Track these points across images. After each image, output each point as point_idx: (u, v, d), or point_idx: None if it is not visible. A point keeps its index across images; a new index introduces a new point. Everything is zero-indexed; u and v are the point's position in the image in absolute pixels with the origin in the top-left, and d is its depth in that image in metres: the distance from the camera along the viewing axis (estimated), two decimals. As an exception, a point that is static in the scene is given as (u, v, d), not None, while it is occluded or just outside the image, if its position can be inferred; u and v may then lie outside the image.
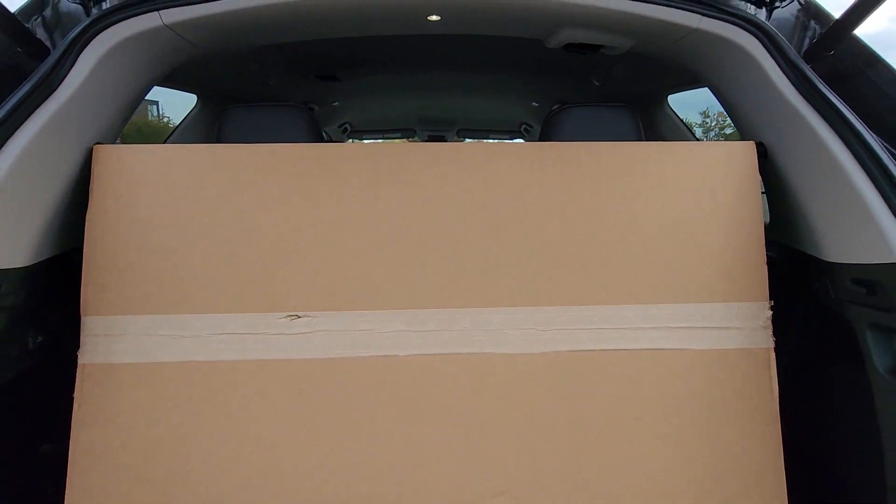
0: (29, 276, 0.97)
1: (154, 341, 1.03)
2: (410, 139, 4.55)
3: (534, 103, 2.95)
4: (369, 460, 1.01)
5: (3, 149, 0.89)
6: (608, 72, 1.93)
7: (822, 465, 1.13)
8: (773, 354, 1.06)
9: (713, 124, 69.32)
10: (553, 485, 1.01)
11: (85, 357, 1.02)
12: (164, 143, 2.12)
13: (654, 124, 2.13)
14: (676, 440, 1.03)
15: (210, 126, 2.11)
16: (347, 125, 3.53)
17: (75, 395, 1.01)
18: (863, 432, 0.94)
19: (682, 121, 2.14)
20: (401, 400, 1.03)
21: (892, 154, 0.98)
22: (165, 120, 48.01)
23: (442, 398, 1.04)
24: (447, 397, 1.04)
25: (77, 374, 1.02)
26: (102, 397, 1.01)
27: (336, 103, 2.94)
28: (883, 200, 0.88)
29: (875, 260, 0.89)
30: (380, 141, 4.44)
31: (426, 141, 4.21)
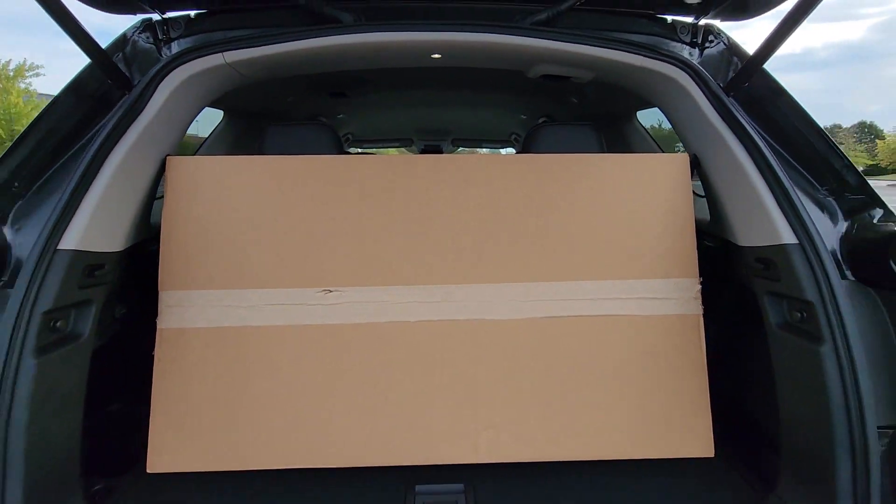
0: (121, 259, 1.24)
1: (217, 310, 1.30)
2: (408, 148, 4.86)
3: (522, 116, 3.26)
4: (388, 401, 1.29)
5: (106, 161, 1.16)
6: (582, 92, 2.23)
7: (738, 400, 1.43)
8: (701, 319, 1.35)
9: None
10: (529, 420, 1.29)
11: (162, 323, 1.30)
12: (196, 153, 2.38)
13: (624, 135, 2.44)
14: (627, 384, 1.32)
15: (237, 137, 2.39)
16: (350, 135, 3.82)
17: (155, 352, 1.28)
18: (763, 372, 1.23)
19: (647, 132, 2.45)
20: (412, 356, 1.31)
21: (787, 163, 1.28)
22: None
23: (444, 354, 1.32)
24: (448, 354, 1.32)
25: (156, 337, 1.29)
26: (176, 354, 1.29)
27: (341, 115, 3.23)
28: (774, 199, 1.17)
29: (768, 243, 1.18)
30: (391, 150, 4.75)
31: (423, 149, 4.52)
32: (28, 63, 28.92)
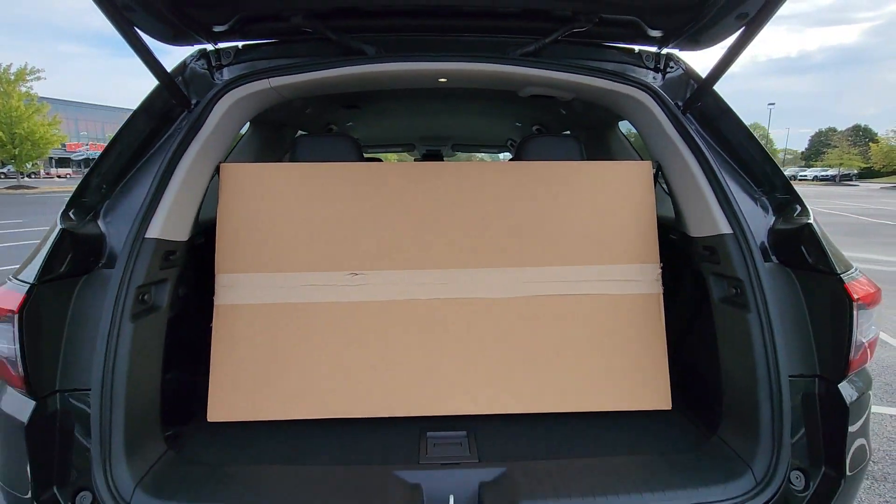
0: (186, 247, 1.52)
1: (263, 289, 1.59)
2: (410, 152, 5.16)
3: (517, 124, 3.56)
4: (404, 364, 1.57)
5: (176, 168, 1.44)
6: (569, 105, 2.53)
7: (690, 362, 1.71)
8: (661, 297, 1.64)
9: None
10: (519, 379, 1.58)
11: (218, 300, 1.58)
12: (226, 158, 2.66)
13: (607, 141, 2.73)
14: (600, 350, 1.61)
15: (262, 143, 2.67)
16: (357, 140, 4.11)
17: (213, 324, 1.56)
18: (710, 338, 1.51)
19: (627, 139, 2.73)
20: (423, 327, 1.60)
21: (732, 168, 1.56)
22: None
23: (449, 326, 1.60)
24: (452, 325, 1.61)
25: (214, 312, 1.57)
26: (230, 325, 1.57)
27: (350, 123, 3.51)
28: (715, 199, 1.46)
29: (711, 233, 1.47)
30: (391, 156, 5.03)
31: (424, 154, 4.82)
32: (29, 67, 29.26)
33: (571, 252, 1.64)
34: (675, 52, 1.77)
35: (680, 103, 1.63)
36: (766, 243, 1.40)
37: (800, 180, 57.39)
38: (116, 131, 1.48)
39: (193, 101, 1.55)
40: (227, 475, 1.27)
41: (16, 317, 1.06)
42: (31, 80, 29.20)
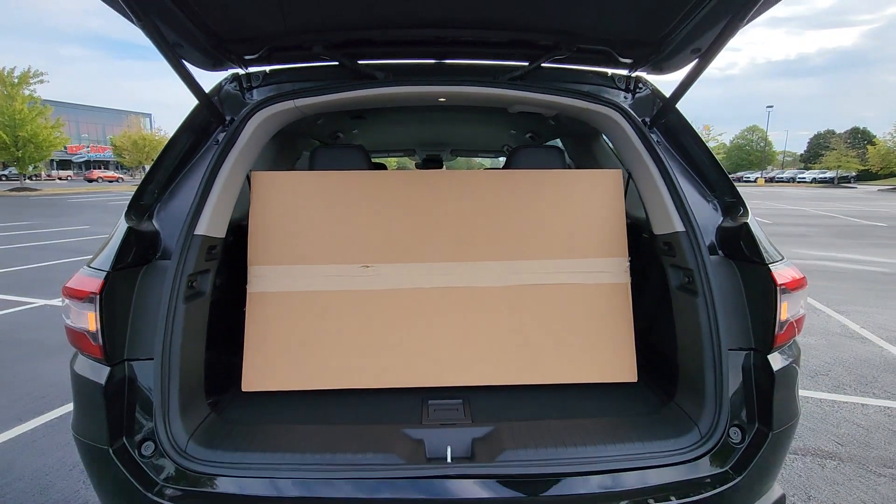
0: (224, 244, 1.77)
1: (288, 279, 1.84)
2: (411, 157, 5.42)
3: (511, 131, 3.81)
4: (409, 342, 1.83)
5: (217, 176, 1.68)
6: (556, 117, 2.79)
7: (653, 341, 1.97)
8: (629, 286, 1.90)
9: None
10: (507, 355, 1.83)
11: (251, 289, 1.83)
12: None
13: (591, 149, 2.98)
14: (576, 331, 1.86)
15: (278, 150, 2.92)
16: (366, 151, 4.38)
17: (246, 309, 1.82)
18: (669, 321, 1.76)
19: (610, 147, 2.98)
20: (425, 311, 1.85)
21: (690, 176, 1.80)
22: (163, 133, 46.79)
23: (447, 310, 1.86)
24: (450, 309, 1.86)
25: (247, 299, 1.83)
26: (260, 310, 1.82)
27: (355, 131, 3.77)
28: (672, 202, 1.71)
29: (669, 231, 1.72)
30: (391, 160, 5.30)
31: (425, 159, 5.08)
32: (32, 70, 29.54)
33: (551, 248, 1.90)
34: (644, 74, 2.02)
35: (647, 119, 1.87)
36: (714, 239, 1.63)
37: (798, 182, 57.69)
38: (165, 144, 1.72)
39: (227, 118, 1.80)
40: (261, 432, 1.52)
41: (97, 297, 1.31)
42: (35, 83, 29.46)
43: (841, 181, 53.62)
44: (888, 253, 9.70)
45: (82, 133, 66.36)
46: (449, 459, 1.36)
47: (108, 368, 1.35)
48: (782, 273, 1.46)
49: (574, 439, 1.44)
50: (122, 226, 1.45)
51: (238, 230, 1.88)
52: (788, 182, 58.86)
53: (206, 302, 1.64)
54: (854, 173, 53.70)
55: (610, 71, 1.99)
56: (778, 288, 1.42)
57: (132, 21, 1.28)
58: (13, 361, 3.96)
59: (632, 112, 1.85)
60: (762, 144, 73.25)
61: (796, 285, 1.48)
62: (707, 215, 1.68)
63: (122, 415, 1.36)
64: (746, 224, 1.53)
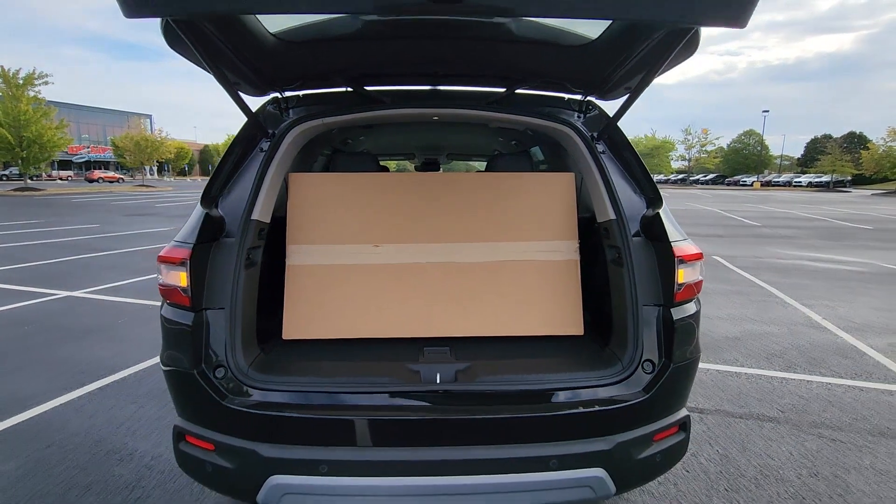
0: (268, 227, 2.19)
1: (317, 255, 2.28)
2: (411, 161, 5.87)
3: (499, 139, 4.26)
4: (409, 303, 2.26)
5: (265, 177, 2.09)
6: (528, 130, 3.23)
7: (596, 302, 2.39)
8: (578, 262, 2.34)
9: (694, 141, 68.26)
10: (484, 313, 2.26)
11: (289, 262, 2.27)
12: None
13: (561, 155, 3.41)
14: (536, 295, 2.29)
15: (301, 156, 3.34)
16: (365, 150, 4.82)
17: (285, 277, 2.25)
18: (606, 287, 2.18)
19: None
20: (421, 280, 2.29)
21: (626, 177, 2.22)
22: (164, 134, 46.68)
23: (438, 279, 2.29)
24: (440, 279, 2.29)
25: (286, 270, 2.26)
26: (296, 278, 2.26)
27: (362, 138, 4.21)
28: (609, 198, 2.12)
29: (605, 219, 2.15)
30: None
31: (423, 161, 5.54)
32: (37, 72, 29.98)
33: (519, 232, 2.35)
34: (593, 99, 2.45)
35: (595, 134, 2.29)
36: (638, 225, 2.04)
37: (794, 186, 58.31)
38: (224, 152, 2.11)
39: (270, 132, 2.22)
40: (297, 365, 1.96)
41: (187, 262, 1.73)
42: (40, 85, 29.86)
43: (836, 185, 54.21)
44: (866, 254, 10.16)
45: (83, 133, 66.68)
46: (438, 381, 1.79)
47: (193, 314, 1.76)
48: (682, 248, 1.86)
49: (532, 370, 1.88)
50: (200, 211, 1.86)
51: (276, 219, 2.31)
52: (785, 186, 59.47)
53: (257, 270, 2.06)
54: (849, 177, 54.29)
55: (567, 96, 2.42)
56: (676, 259, 1.83)
57: (205, 69, 1.70)
58: (48, 344, 4.38)
59: (582, 129, 2.27)
60: (759, 148, 73.92)
61: (692, 258, 1.88)
62: (635, 207, 2.08)
63: (202, 348, 1.77)
64: (659, 214, 1.94)
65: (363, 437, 1.62)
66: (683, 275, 1.83)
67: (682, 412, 1.84)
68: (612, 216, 2.05)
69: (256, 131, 2.13)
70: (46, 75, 29.86)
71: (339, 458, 1.58)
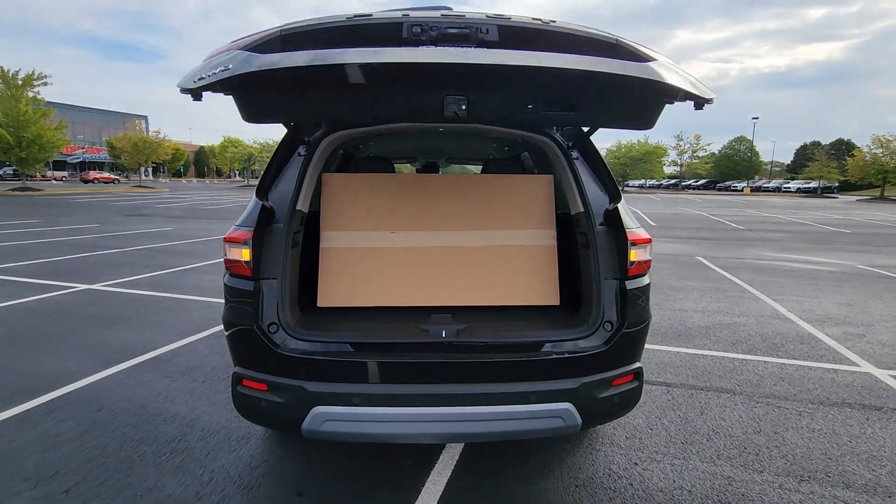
0: (307, 216, 2.62)
1: (345, 239, 2.73)
2: (413, 163, 6.34)
3: (493, 145, 4.72)
4: (420, 277, 2.71)
5: (305, 174, 2.53)
6: (520, 137, 3.69)
7: (569, 278, 2.84)
8: (555, 247, 2.80)
9: (686, 146, 68.56)
10: (479, 286, 2.72)
11: (323, 244, 2.72)
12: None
13: (548, 158, 3.88)
14: (521, 273, 2.75)
15: (326, 158, 3.78)
16: (371, 154, 5.27)
17: (319, 257, 2.70)
18: (579, 266, 2.63)
19: None
20: (429, 260, 2.74)
21: (594, 179, 2.68)
22: (162, 135, 46.58)
23: (443, 258, 2.75)
24: (444, 260, 2.75)
25: (320, 251, 2.71)
26: (328, 257, 2.70)
27: (372, 143, 4.66)
28: (579, 194, 2.57)
29: (576, 211, 2.60)
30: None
31: (424, 164, 6.00)
32: (37, 73, 30.19)
33: (507, 223, 2.81)
34: None
35: (570, 143, 2.74)
36: (602, 216, 2.47)
37: (783, 191, 59.34)
38: (272, 155, 2.54)
39: (306, 139, 2.62)
40: (331, 325, 2.40)
41: (250, 241, 2.15)
42: (39, 86, 30.07)
43: (825, 191, 55.23)
44: (841, 255, 10.71)
45: (77, 134, 66.57)
46: (443, 336, 2.22)
47: (253, 282, 2.19)
48: (634, 234, 2.31)
49: (517, 329, 2.34)
50: (256, 202, 2.27)
51: (310, 211, 2.75)
52: (774, 191, 60.49)
53: (299, 250, 2.51)
54: (836, 183, 55.32)
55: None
56: (629, 242, 2.28)
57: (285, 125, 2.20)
58: (79, 329, 4.77)
59: (559, 140, 2.72)
60: (749, 154, 75.05)
61: (642, 241, 2.33)
62: (600, 202, 2.51)
63: (259, 309, 2.19)
64: (618, 207, 2.38)
65: (385, 376, 2.05)
66: (635, 254, 2.28)
67: (636, 364, 2.28)
68: (582, 209, 2.50)
69: (295, 139, 2.56)
70: (45, 76, 30.08)
71: (367, 392, 2.02)
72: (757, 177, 74.93)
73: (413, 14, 1.82)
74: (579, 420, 2.07)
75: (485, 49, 1.73)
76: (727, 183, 67.45)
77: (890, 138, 44.51)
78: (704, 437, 2.92)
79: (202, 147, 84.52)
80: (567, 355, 2.12)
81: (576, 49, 1.76)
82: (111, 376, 3.70)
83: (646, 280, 2.38)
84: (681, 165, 72.12)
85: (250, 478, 2.48)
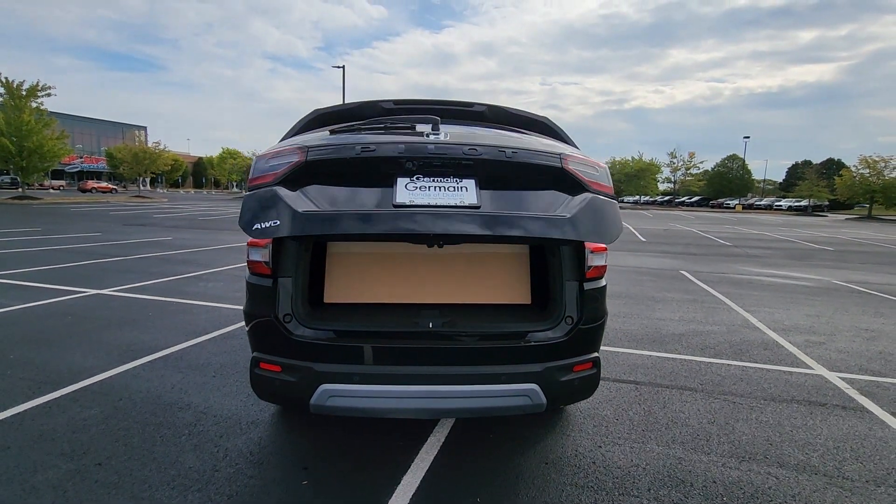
0: None
1: (348, 246, 3.11)
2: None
3: None
4: (412, 279, 3.09)
5: None
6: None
7: (539, 280, 3.21)
8: (528, 254, 3.19)
9: (680, 164, 69.76)
10: (463, 287, 3.09)
11: (330, 250, 3.10)
12: None
13: None
14: (499, 275, 3.13)
15: None
16: None
17: (327, 261, 3.08)
18: (545, 270, 3.00)
19: None
20: (421, 264, 3.13)
21: None
22: (162, 146, 46.98)
23: (432, 263, 3.13)
24: (433, 263, 3.13)
25: (328, 256, 3.09)
26: (335, 261, 3.08)
27: None
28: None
29: None
30: None
31: None
32: (40, 84, 30.69)
33: None
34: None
35: None
36: None
37: (775, 209, 60.33)
38: None
39: None
40: (339, 315, 2.76)
41: (270, 245, 2.51)
42: (42, 97, 30.53)
43: (815, 209, 56.22)
44: (820, 271, 11.16)
45: (76, 143, 66.95)
46: (430, 326, 2.58)
47: (272, 279, 2.54)
48: (592, 245, 2.69)
49: (494, 321, 2.70)
50: None
51: None
52: (765, 209, 61.50)
53: (310, 254, 2.88)
54: (826, 202, 56.34)
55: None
56: (587, 250, 2.65)
57: None
58: (93, 330, 5.09)
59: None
60: (741, 172, 76.31)
61: (599, 249, 2.69)
62: None
63: (276, 302, 2.52)
64: None
65: (380, 358, 2.41)
66: (591, 260, 2.65)
67: (594, 354, 2.65)
68: None
69: None
70: (49, 87, 30.60)
71: (366, 372, 2.38)
72: (749, 194, 76.11)
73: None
74: (544, 399, 2.43)
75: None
76: (719, 200, 68.47)
77: (877, 159, 45.59)
78: (663, 426, 3.28)
79: (200, 158, 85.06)
80: (533, 343, 2.49)
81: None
82: (127, 371, 4.03)
83: (602, 282, 2.75)
84: (674, 182, 73.25)
85: (261, 455, 2.82)
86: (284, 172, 2.34)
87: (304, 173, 2.35)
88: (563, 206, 2.29)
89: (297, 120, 3.34)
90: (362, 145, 2.33)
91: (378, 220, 2.11)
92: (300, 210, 2.11)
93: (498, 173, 2.37)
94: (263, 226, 2.10)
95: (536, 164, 2.40)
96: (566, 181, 2.43)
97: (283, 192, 2.22)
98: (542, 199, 2.37)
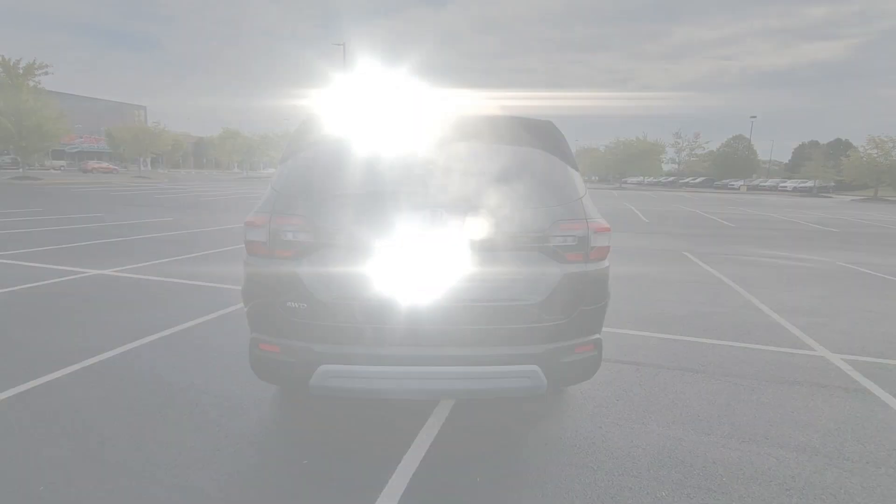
0: None
1: None
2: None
3: None
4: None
5: None
6: None
7: None
8: None
9: (684, 144, 69.24)
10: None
11: None
12: None
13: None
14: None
15: None
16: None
17: None
18: None
19: None
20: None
21: None
22: (162, 126, 46.86)
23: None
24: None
25: None
26: None
27: None
28: None
29: None
30: None
31: None
32: (38, 62, 30.31)
33: None
34: None
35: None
36: None
37: (780, 191, 59.81)
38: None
39: None
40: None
41: (268, 224, 2.48)
42: (40, 75, 30.19)
43: (821, 191, 55.67)
44: (824, 253, 11.09)
45: (76, 123, 66.52)
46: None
47: (268, 259, 2.52)
48: (596, 223, 2.63)
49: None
50: (273, 190, 2.60)
51: None
52: (770, 190, 60.96)
53: None
54: (832, 183, 55.75)
55: None
56: (590, 230, 2.60)
57: None
58: (94, 311, 5.10)
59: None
60: (747, 153, 75.50)
61: (602, 230, 2.64)
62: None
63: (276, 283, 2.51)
64: (581, 200, 2.72)
65: (378, 340, 2.39)
66: (596, 241, 2.60)
67: (596, 335, 2.62)
68: None
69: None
70: (46, 65, 30.24)
71: (364, 353, 2.36)
72: (754, 175, 75.38)
73: None
74: (544, 380, 2.41)
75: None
76: (724, 181, 67.87)
77: (885, 139, 44.91)
78: (664, 407, 3.28)
79: (201, 138, 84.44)
80: (534, 325, 2.46)
81: None
82: (129, 351, 4.04)
83: (605, 263, 2.71)
84: (679, 163, 72.60)
85: (262, 434, 2.83)
86: None
87: None
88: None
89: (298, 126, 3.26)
90: None
91: None
92: None
93: None
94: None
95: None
96: None
97: None
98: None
